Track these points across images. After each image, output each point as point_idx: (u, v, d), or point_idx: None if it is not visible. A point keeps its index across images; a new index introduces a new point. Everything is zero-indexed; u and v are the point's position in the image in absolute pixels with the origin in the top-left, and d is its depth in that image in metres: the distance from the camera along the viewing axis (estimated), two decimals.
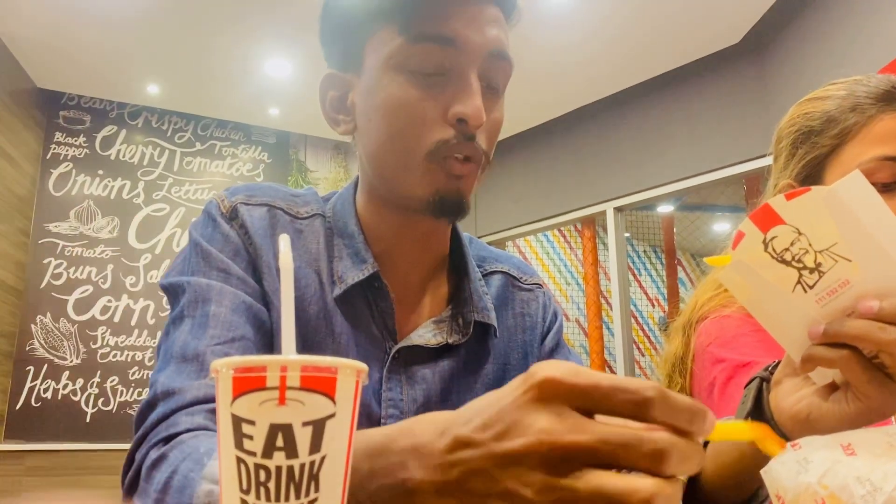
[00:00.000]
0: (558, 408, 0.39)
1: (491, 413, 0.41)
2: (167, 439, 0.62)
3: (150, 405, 0.67)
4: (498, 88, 0.79)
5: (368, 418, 0.77)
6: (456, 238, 0.90)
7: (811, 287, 0.57)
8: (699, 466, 0.38)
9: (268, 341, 0.76)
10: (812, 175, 0.98)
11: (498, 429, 0.40)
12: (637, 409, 0.38)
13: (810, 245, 0.56)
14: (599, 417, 0.39)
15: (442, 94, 0.74)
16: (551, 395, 0.39)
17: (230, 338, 0.71)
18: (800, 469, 0.48)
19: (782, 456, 0.50)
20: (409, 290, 0.85)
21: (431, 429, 0.44)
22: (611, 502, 0.36)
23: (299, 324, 0.79)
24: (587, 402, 0.39)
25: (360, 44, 0.78)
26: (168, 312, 0.77)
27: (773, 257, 0.57)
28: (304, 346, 0.78)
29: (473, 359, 0.86)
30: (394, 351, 0.81)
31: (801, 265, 0.56)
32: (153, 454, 0.61)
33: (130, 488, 0.62)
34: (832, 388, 0.59)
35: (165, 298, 0.79)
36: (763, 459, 0.50)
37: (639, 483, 0.37)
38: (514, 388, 0.41)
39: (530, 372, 0.40)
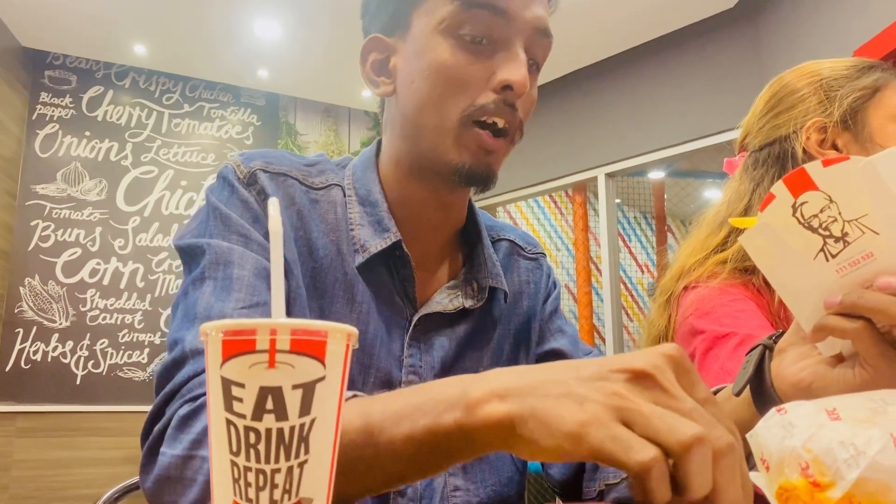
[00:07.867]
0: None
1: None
2: (201, 395, 0.62)
3: (176, 363, 0.66)
4: (537, 65, 0.82)
5: (388, 384, 0.79)
6: (469, 206, 0.92)
7: (833, 256, 0.57)
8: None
9: (287, 309, 0.76)
10: (854, 116, 1.06)
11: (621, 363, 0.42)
12: None
13: (840, 214, 0.55)
14: None
15: (488, 61, 0.76)
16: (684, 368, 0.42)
17: (254, 302, 0.70)
18: (785, 434, 0.49)
19: (768, 420, 0.50)
20: (428, 258, 0.86)
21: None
22: (666, 426, 0.38)
23: (317, 293, 0.79)
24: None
25: (409, 8, 0.80)
26: (182, 274, 0.76)
27: (800, 222, 0.57)
28: (323, 314, 0.79)
29: (484, 324, 0.89)
30: (416, 319, 0.82)
31: (827, 233, 0.56)
32: (186, 408, 0.61)
33: (157, 440, 0.62)
34: (837, 359, 0.59)
35: (179, 260, 0.78)
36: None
37: (695, 424, 0.38)
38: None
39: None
